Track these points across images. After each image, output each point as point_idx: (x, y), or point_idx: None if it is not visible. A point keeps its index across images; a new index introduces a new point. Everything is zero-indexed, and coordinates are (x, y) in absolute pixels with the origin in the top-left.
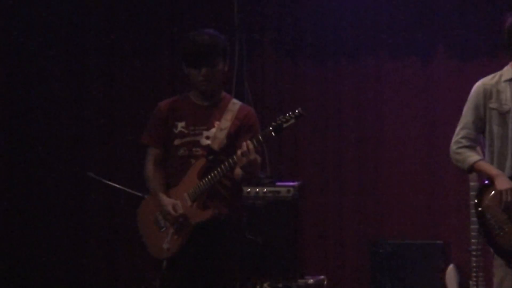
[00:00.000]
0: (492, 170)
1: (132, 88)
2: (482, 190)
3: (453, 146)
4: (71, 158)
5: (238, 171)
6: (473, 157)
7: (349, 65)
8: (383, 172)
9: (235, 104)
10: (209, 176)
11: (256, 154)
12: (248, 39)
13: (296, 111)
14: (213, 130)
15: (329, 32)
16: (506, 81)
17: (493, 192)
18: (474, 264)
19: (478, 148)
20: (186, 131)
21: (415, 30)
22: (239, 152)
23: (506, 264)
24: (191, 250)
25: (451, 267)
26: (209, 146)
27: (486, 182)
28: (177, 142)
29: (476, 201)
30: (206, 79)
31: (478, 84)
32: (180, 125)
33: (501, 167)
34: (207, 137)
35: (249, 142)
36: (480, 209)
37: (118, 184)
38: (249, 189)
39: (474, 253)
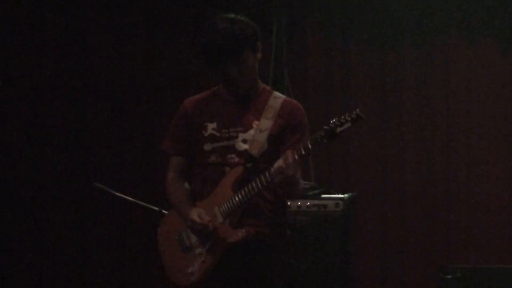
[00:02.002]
0: None
1: (144, 82)
2: None
3: None
4: (74, 166)
5: None
6: None
7: (413, 50)
8: (455, 183)
9: (277, 98)
10: (246, 189)
11: (297, 167)
12: (288, 19)
13: (354, 112)
14: (251, 132)
15: (388, 9)
16: None
17: None
18: None
19: None
20: (218, 134)
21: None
22: (276, 165)
23: None
24: (221, 278)
25: None
26: (246, 152)
27: None
28: (207, 147)
29: None
30: (233, 81)
31: None
32: (211, 126)
33: None
34: (244, 141)
35: (290, 152)
36: None
37: (130, 196)
38: (288, 203)
39: None
